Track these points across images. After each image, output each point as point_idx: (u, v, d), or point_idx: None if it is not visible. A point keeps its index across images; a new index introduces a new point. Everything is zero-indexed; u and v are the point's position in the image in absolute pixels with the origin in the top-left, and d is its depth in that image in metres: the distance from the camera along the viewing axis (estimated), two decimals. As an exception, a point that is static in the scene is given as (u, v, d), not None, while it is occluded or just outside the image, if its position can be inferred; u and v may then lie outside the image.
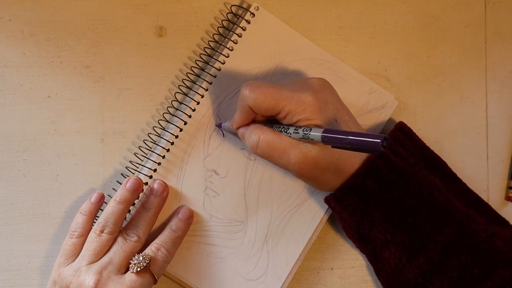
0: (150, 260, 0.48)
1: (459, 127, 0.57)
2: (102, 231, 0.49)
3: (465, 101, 0.57)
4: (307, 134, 0.44)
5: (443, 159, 0.54)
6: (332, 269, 0.56)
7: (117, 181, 0.54)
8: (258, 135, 0.47)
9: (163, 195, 0.52)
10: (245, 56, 0.54)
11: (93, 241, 0.49)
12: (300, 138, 0.45)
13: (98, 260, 0.48)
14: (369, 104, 0.55)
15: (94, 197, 0.51)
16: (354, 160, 0.48)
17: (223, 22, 0.55)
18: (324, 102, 0.46)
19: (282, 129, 0.46)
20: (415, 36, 0.57)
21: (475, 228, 0.48)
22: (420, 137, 0.54)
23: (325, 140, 0.42)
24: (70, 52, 0.54)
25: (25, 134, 0.54)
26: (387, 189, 0.48)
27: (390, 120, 0.56)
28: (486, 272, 0.47)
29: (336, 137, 0.41)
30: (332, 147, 0.42)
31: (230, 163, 0.54)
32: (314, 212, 0.54)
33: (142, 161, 0.53)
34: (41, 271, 0.53)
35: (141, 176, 0.52)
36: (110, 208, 0.50)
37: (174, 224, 0.51)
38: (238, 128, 0.49)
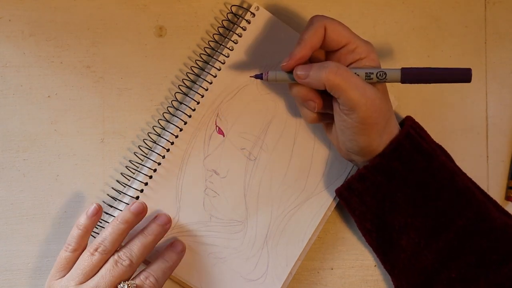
0: None
1: (459, 127, 0.57)
2: (96, 250, 0.48)
3: (465, 101, 0.57)
4: (383, 73, 0.46)
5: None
6: (332, 269, 0.56)
7: (117, 181, 0.54)
8: (334, 64, 0.46)
9: (166, 227, 0.51)
10: (245, 56, 0.54)
11: (84, 260, 0.48)
12: (371, 80, 0.46)
13: (87, 281, 0.47)
14: None
15: (90, 211, 0.49)
16: (393, 126, 0.49)
17: (223, 22, 0.55)
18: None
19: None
20: (415, 36, 0.57)
21: (492, 215, 0.49)
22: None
23: (404, 76, 0.45)
24: (70, 52, 0.54)
25: (25, 134, 0.54)
26: (412, 170, 0.48)
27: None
28: (504, 257, 0.48)
29: (418, 72, 0.45)
30: (410, 82, 0.45)
31: (230, 163, 0.54)
32: (315, 212, 0.54)
33: (142, 160, 0.53)
34: (41, 271, 0.53)
35: (141, 177, 0.52)
36: (110, 228, 0.49)
37: (167, 255, 0.50)
38: (297, 60, 0.47)
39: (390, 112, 0.48)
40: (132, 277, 0.48)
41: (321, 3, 0.56)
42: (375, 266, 0.56)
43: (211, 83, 0.53)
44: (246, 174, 0.54)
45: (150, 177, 0.52)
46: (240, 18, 0.54)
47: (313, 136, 0.55)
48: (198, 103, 0.53)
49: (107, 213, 0.52)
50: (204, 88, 0.53)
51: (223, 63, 0.53)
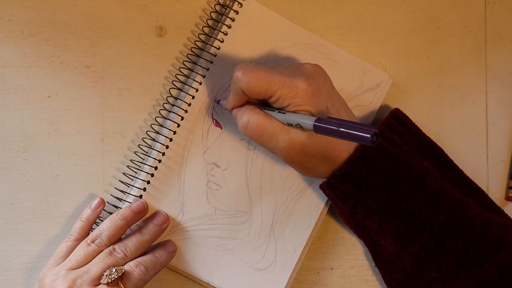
0: (123, 274, 0.47)
1: (459, 127, 0.57)
2: (93, 241, 0.49)
3: (465, 101, 0.57)
4: (297, 120, 0.44)
5: (443, 158, 0.54)
6: (332, 269, 0.56)
7: (120, 181, 0.54)
8: (248, 116, 0.47)
9: (163, 227, 0.52)
10: (236, 46, 0.54)
11: (80, 249, 0.49)
12: (290, 123, 0.45)
13: (79, 268, 0.48)
14: (364, 84, 0.55)
15: (94, 204, 0.52)
16: (341, 148, 0.48)
17: (211, 14, 0.55)
18: (317, 88, 0.46)
19: (275, 113, 0.46)
20: (415, 36, 0.57)
21: (470, 213, 0.48)
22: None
23: (316, 129, 0.42)
24: (70, 52, 0.54)
25: (25, 134, 0.54)
26: (380, 176, 0.48)
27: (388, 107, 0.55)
28: (482, 256, 0.47)
29: (326, 127, 0.41)
30: (321, 133, 0.42)
31: (230, 155, 0.54)
32: (318, 196, 0.54)
33: (143, 159, 0.53)
34: (41, 271, 0.53)
35: (142, 175, 0.52)
36: (108, 222, 0.50)
37: (158, 252, 0.51)
38: (232, 109, 0.49)
39: (325, 146, 0.47)
40: None
41: (321, 3, 0.56)
42: (375, 266, 0.56)
43: (204, 76, 0.53)
44: (247, 164, 0.54)
45: (152, 175, 0.52)
46: (229, 9, 0.54)
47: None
48: (193, 97, 0.53)
49: (110, 213, 0.52)
50: (198, 82, 0.53)
51: (215, 56, 0.53)
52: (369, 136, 0.38)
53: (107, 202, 0.53)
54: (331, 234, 0.56)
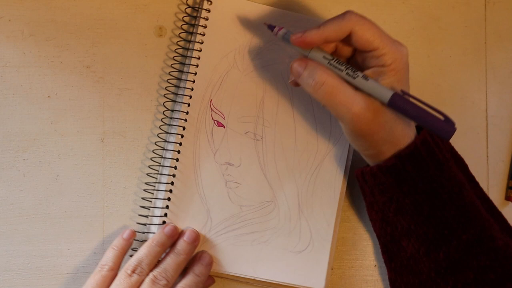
0: None
1: (459, 127, 0.57)
2: (133, 271, 0.49)
3: (465, 101, 0.57)
4: (375, 86, 0.44)
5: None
6: (332, 269, 0.56)
7: (141, 206, 0.54)
8: (323, 77, 0.45)
9: (195, 244, 0.52)
10: (217, 44, 0.54)
11: (123, 281, 0.48)
12: (363, 88, 0.44)
13: None
14: None
15: (126, 234, 0.52)
16: (406, 132, 0.47)
17: (184, 18, 0.55)
18: (408, 66, 0.46)
19: (351, 74, 0.45)
20: (415, 36, 0.57)
21: (495, 234, 0.48)
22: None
23: (392, 103, 0.41)
24: (70, 52, 0.54)
25: (25, 134, 0.54)
26: (424, 178, 0.47)
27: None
28: (502, 279, 0.47)
29: (405, 106, 0.40)
30: (393, 108, 0.42)
31: (239, 150, 0.54)
32: (336, 165, 0.54)
33: (157, 179, 0.53)
34: (41, 271, 0.53)
35: (161, 194, 0.53)
36: (146, 249, 0.50)
37: (197, 269, 0.51)
38: (301, 45, 0.46)
39: (395, 126, 0.46)
40: None
41: (321, 3, 0.56)
42: (375, 266, 0.56)
43: (193, 81, 0.53)
44: (258, 155, 0.54)
45: (170, 191, 0.53)
46: (200, 9, 0.54)
47: (309, 96, 0.54)
48: (188, 105, 0.53)
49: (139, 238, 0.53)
50: (189, 89, 0.53)
51: (198, 58, 0.53)
52: (452, 128, 0.38)
53: (136, 231, 0.53)
54: (331, 234, 0.56)
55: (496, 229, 0.49)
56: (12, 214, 0.53)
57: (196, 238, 0.52)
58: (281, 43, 0.54)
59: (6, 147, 0.53)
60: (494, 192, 0.57)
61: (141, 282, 0.49)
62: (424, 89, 0.57)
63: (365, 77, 0.45)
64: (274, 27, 0.48)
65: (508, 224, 0.52)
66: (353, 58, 0.48)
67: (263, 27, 0.53)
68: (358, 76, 0.45)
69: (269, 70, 0.54)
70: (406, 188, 0.48)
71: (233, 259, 0.53)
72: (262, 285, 0.54)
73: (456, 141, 0.57)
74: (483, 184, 0.56)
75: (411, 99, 0.44)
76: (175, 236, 0.51)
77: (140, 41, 0.55)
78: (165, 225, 0.52)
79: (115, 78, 0.54)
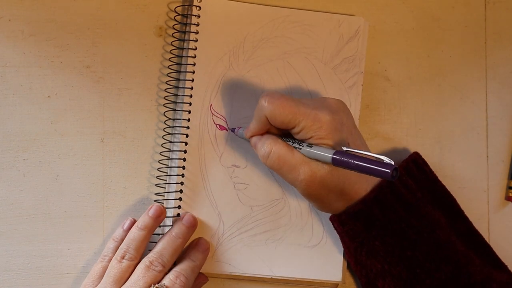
0: None
1: (459, 127, 0.57)
2: (123, 257, 0.49)
3: (465, 101, 0.57)
4: (318, 152, 0.44)
5: (443, 159, 0.54)
6: (332, 269, 0.56)
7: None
8: (270, 146, 0.47)
9: (193, 229, 0.52)
10: (210, 48, 0.54)
11: (113, 268, 0.49)
12: (311, 156, 0.45)
13: (120, 287, 0.48)
14: (343, 36, 0.55)
15: (126, 224, 0.52)
16: (360, 185, 0.47)
17: (174, 26, 0.55)
18: (339, 124, 0.46)
19: (296, 144, 0.46)
20: (415, 36, 0.57)
21: (472, 270, 0.48)
22: (420, 137, 0.54)
23: (335, 162, 0.42)
24: (70, 52, 0.54)
25: (25, 134, 0.54)
26: (392, 220, 0.48)
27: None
28: None
29: (346, 161, 0.41)
30: (339, 166, 0.42)
31: (244, 151, 0.54)
32: None
33: (164, 188, 0.53)
34: (41, 271, 0.53)
35: (171, 203, 0.53)
36: (132, 235, 0.50)
37: (193, 255, 0.51)
38: (252, 137, 0.49)
39: (344, 180, 0.46)
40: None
41: (321, 3, 0.56)
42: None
43: (191, 88, 0.53)
44: None
45: (180, 199, 0.53)
46: (190, 16, 0.54)
47: (307, 87, 0.55)
48: (189, 112, 0.53)
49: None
50: (188, 96, 0.53)
51: (194, 65, 0.53)
52: (389, 171, 0.38)
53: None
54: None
55: (475, 263, 0.48)
56: (12, 214, 0.53)
57: (195, 223, 0.52)
58: (275, 43, 0.54)
59: (6, 147, 0.53)
60: (494, 192, 0.57)
61: (132, 267, 0.49)
62: (424, 89, 0.57)
63: (310, 145, 0.45)
64: (234, 129, 0.52)
65: (496, 257, 0.52)
66: (288, 133, 0.49)
67: (253, 27, 0.54)
68: (303, 145, 0.46)
69: (265, 68, 0.54)
70: (375, 231, 0.48)
71: (249, 260, 0.53)
72: (280, 283, 0.54)
73: (456, 141, 0.57)
74: (483, 184, 0.56)
75: (353, 152, 0.44)
76: (161, 217, 0.51)
77: (140, 41, 0.55)
78: (150, 206, 0.51)
79: (115, 78, 0.54)
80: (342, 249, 0.53)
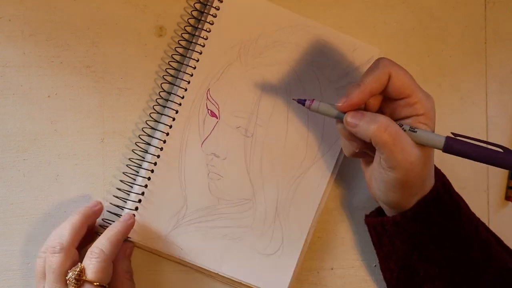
0: (81, 271, 0.45)
1: (459, 127, 0.57)
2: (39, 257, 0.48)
3: (465, 101, 0.57)
4: (427, 135, 0.43)
5: (443, 159, 0.54)
6: (332, 269, 0.56)
7: (121, 180, 0.54)
8: (388, 121, 0.43)
9: (95, 208, 0.51)
10: (224, 34, 0.54)
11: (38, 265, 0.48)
12: (422, 140, 0.44)
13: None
14: (355, 60, 0.55)
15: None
16: (431, 181, 0.47)
17: (192, 12, 0.55)
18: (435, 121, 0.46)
19: (404, 127, 0.45)
20: (415, 36, 0.57)
21: (510, 265, 0.48)
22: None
23: (448, 148, 0.41)
24: (70, 52, 0.54)
25: (25, 134, 0.54)
26: (447, 221, 0.47)
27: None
28: None
29: (461, 147, 0.40)
30: (450, 152, 0.42)
31: (228, 143, 0.54)
32: (320, 176, 0.54)
33: (142, 157, 0.53)
34: (41, 271, 0.53)
35: (143, 172, 0.53)
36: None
37: (111, 226, 0.50)
38: (351, 109, 0.45)
39: (429, 176, 0.46)
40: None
41: (321, 3, 0.56)
42: (375, 266, 0.56)
43: (194, 68, 0.53)
44: (245, 151, 0.54)
45: (152, 171, 0.53)
46: (209, 7, 0.54)
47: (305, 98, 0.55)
48: (185, 89, 0.53)
49: (116, 214, 0.52)
50: (189, 74, 0.53)
51: (203, 46, 0.53)
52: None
53: (110, 203, 0.53)
54: (331, 234, 0.56)
55: (506, 255, 0.49)
56: (12, 214, 0.53)
57: (96, 203, 0.51)
58: (288, 48, 0.54)
59: (6, 147, 0.53)
60: (494, 192, 0.57)
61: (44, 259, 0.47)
62: (424, 89, 0.57)
63: (412, 129, 0.44)
64: (305, 100, 0.47)
65: (505, 244, 0.52)
66: (379, 111, 0.47)
67: (271, 27, 0.54)
68: (406, 128, 0.44)
69: (271, 70, 0.54)
70: (433, 233, 0.47)
71: (201, 250, 0.53)
72: (223, 281, 0.54)
73: (456, 141, 0.57)
74: (483, 184, 0.56)
75: (464, 139, 0.43)
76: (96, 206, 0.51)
77: (140, 41, 0.55)
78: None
79: (115, 78, 0.54)
80: (294, 265, 0.53)
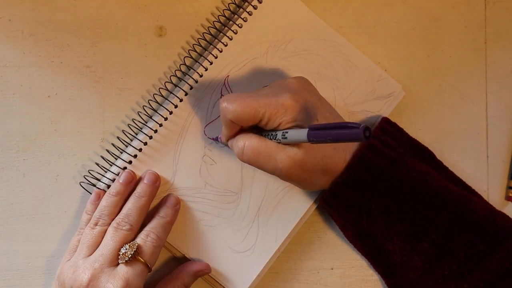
0: (138, 248, 0.48)
1: (459, 127, 0.57)
2: (96, 224, 0.49)
3: (465, 101, 0.57)
4: (292, 136, 0.44)
5: (443, 159, 0.54)
6: (332, 269, 0.56)
7: (118, 138, 0.54)
8: (243, 141, 0.47)
9: (156, 185, 0.52)
10: (258, 28, 0.54)
11: (87, 235, 0.49)
12: (286, 142, 0.45)
13: (92, 253, 0.48)
14: (376, 91, 0.55)
15: (93, 197, 0.52)
16: (338, 157, 0.48)
17: (229, 5, 0.54)
18: (303, 102, 0.46)
19: (271, 136, 0.46)
20: (415, 36, 0.57)
21: (473, 207, 0.49)
22: (420, 137, 0.54)
23: (312, 139, 0.42)
24: (70, 52, 0.54)
25: (25, 134, 0.54)
26: (381, 179, 0.48)
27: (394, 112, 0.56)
28: (492, 246, 0.48)
29: (319, 133, 0.41)
30: (316, 143, 0.42)
31: None
32: (308, 193, 0.54)
33: (147, 122, 0.53)
34: (41, 271, 0.53)
35: (141, 136, 0.53)
36: (104, 202, 0.50)
37: (162, 211, 0.51)
38: (227, 140, 0.50)
39: (327, 155, 0.47)
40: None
41: (321, 3, 0.56)
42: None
43: (221, 51, 0.53)
44: None
45: (150, 137, 0.53)
46: (247, 3, 0.54)
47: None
48: (206, 69, 0.53)
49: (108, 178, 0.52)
50: (214, 56, 0.53)
51: (236, 33, 0.54)
52: (360, 131, 0.38)
53: (101, 166, 0.53)
54: (331, 234, 0.56)
55: (474, 201, 0.49)
56: (12, 214, 0.53)
57: (156, 179, 0.52)
58: (315, 60, 0.55)
59: (6, 147, 0.53)
60: (494, 192, 0.57)
61: (105, 231, 0.49)
62: (424, 89, 0.57)
63: (284, 134, 0.45)
64: (217, 138, 0.52)
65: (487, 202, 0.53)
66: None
67: (304, 35, 0.54)
68: (278, 134, 0.45)
69: (292, 75, 0.54)
70: (369, 194, 0.49)
71: (175, 229, 0.53)
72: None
73: (456, 141, 0.57)
74: (483, 184, 0.56)
75: (321, 125, 0.43)
76: (132, 183, 0.51)
77: (140, 41, 0.55)
78: (120, 173, 0.52)
79: (115, 78, 0.55)
80: (260, 269, 0.53)
